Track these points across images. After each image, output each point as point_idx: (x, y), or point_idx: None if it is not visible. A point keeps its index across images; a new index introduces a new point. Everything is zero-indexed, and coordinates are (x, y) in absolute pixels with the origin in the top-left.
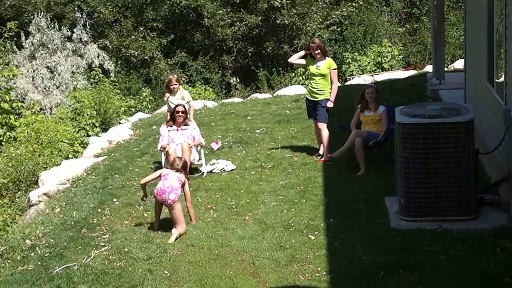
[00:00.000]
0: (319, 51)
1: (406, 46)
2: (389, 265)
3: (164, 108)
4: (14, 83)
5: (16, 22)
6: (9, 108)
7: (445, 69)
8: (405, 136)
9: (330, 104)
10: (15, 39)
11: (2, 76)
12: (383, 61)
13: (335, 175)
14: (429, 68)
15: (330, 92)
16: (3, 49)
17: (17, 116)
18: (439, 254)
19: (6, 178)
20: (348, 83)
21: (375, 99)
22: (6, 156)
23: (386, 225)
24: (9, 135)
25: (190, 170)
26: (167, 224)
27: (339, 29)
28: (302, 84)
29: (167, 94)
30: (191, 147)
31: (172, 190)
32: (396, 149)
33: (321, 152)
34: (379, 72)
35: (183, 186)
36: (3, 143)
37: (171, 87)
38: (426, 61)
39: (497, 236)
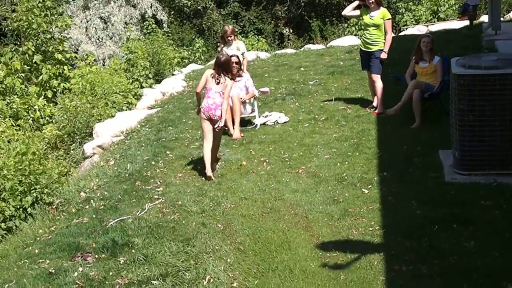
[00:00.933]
0: (373, 0)
1: None
2: (442, 220)
3: None
4: (68, 34)
5: None
6: (63, 59)
7: (501, 19)
8: (461, 88)
9: (384, 55)
10: None
11: (56, 26)
12: (439, 10)
13: (389, 128)
14: (485, 18)
15: (384, 43)
16: None
17: (71, 67)
18: (493, 209)
19: (61, 130)
20: (402, 33)
21: (430, 50)
22: (61, 108)
23: (440, 179)
24: (63, 86)
25: (243, 122)
26: (218, 179)
27: None
28: (355, 35)
29: (222, 46)
30: (243, 101)
31: (216, 107)
32: (452, 101)
33: (375, 104)
34: (434, 22)
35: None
36: (57, 94)
37: (227, 38)
38: (481, 11)
39: None
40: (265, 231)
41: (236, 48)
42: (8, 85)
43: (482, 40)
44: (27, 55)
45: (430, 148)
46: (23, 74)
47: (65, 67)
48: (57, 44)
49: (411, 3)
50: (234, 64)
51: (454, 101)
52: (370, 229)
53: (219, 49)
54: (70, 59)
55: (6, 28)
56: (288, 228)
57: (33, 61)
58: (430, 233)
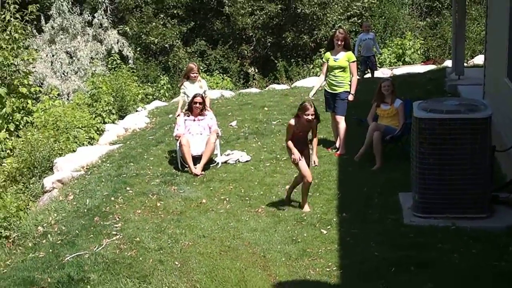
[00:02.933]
0: (343, 42)
1: (426, 40)
2: (400, 262)
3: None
4: (33, 67)
5: (38, 5)
6: (27, 93)
7: (465, 64)
8: (422, 131)
9: (351, 98)
10: (35, 22)
11: (21, 60)
12: (405, 54)
13: (350, 169)
14: (448, 63)
15: (350, 85)
16: (23, 32)
17: (34, 101)
18: (451, 252)
19: (21, 163)
20: (366, 76)
21: (392, 93)
22: (23, 141)
23: (399, 221)
24: (26, 120)
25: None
26: (177, 216)
27: (359, 20)
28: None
29: (185, 83)
30: (216, 138)
31: None
32: (413, 144)
33: (337, 145)
34: (399, 65)
35: None
36: (20, 128)
37: (192, 75)
38: (445, 55)
39: (510, 235)
40: (222, 269)
41: (199, 86)
42: None
43: (445, 84)
44: None
45: (390, 190)
46: None
47: (29, 101)
48: (22, 78)
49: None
50: (197, 104)
51: (415, 144)
52: (328, 269)
53: (179, 85)
54: (35, 92)
55: None
56: (245, 267)
57: None
58: (387, 275)
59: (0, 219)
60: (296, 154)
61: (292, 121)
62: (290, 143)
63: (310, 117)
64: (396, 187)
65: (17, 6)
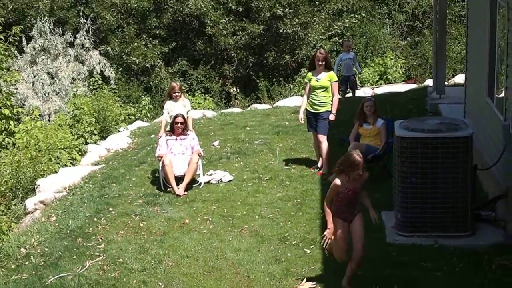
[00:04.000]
0: (324, 62)
1: (407, 59)
2: (385, 280)
3: (162, 118)
4: (16, 89)
5: (21, 26)
6: (10, 114)
7: (446, 83)
8: (404, 150)
9: (332, 117)
10: (16, 43)
11: (4, 81)
12: (388, 72)
13: None
14: (429, 82)
15: (331, 104)
16: (6, 53)
17: (16, 122)
18: (434, 270)
19: (3, 185)
20: (348, 95)
21: (374, 112)
22: (4, 163)
23: (383, 240)
24: (7, 141)
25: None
26: (160, 236)
27: (340, 40)
28: (301, 96)
29: (167, 102)
30: (199, 158)
31: None
32: (394, 163)
33: (319, 164)
34: (380, 84)
35: None
36: (1, 149)
37: (174, 94)
38: (427, 74)
39: (493, 253)
40: None
41: (183, 105)
42: None
43: (427, 103)
44: None
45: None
46: None
47: (11, 122)
48: (5, 99)
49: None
50: (179, 124)
51: (397, 163)
52: None
53: (164, 104)
54: (17, 114)
55: None
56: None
57: None
58: None
59: None
60: (329, 232)
61: (338, 181)
62: (328, 211)
63: (361, 171)
64: (379, 206)
65: (0, 28)
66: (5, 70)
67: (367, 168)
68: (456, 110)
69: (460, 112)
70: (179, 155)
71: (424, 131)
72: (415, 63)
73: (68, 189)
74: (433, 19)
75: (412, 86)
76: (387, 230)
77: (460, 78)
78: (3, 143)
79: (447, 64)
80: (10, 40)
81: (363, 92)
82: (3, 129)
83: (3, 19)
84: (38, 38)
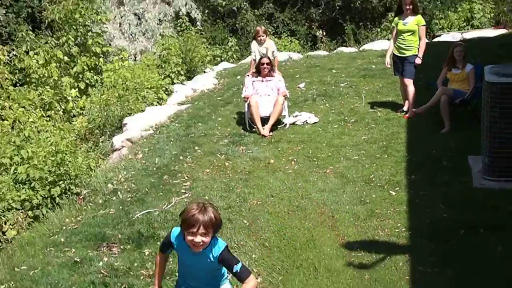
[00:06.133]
0: (411, 6)
1: (497, 5)
2: (470, 224)
3: (249, 59)
4: (107, 27)
5: None
6: (99, 52)
7: None
8: (493, 96)
9: (418, 61)
10: None
11: (94, 21)
12: (474, 17)
13: (419, 132)
14: None
15: (418, 48)
16: None
17: (104, 61)
18: None
19: (91, 122)
20: (436, 39)
21: (463, 57)
22: (92, 101)
23: (469, 184)
24: (96, 79)
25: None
26: (245, 175)
27: None
28: (388, 39)
29: (254, 44)
30: (284, 100)
31: None
32: (483, 108)
33: (405, 108)
34: (467, 29)
35: None
36: (89, 87)
37: (258, 38)
38: None
39: None
40: (291, 228)
41: (268, 47)
42: (41, 75)
43: None
44: (65, 46)
45: (459, 153)
46: (60, 64)
47: (101, 59)
48: (95, 37)
49: (447, 11)
50: (265, 65)
51: (485, 108)
52: (396, 230)
53: (250, 48)
54: (106, 52)
55: (44, 20)
56: (314, 227)
57: (70, 52)
58: (456, 237)
59: (71, 176)
60: None
61: None
62: None
63: None
64: (466, 150)
65: None
66: (94, 10)
67: (455, 112)
68: None
69: None
70: (265, 97)
71: None
72: (505, 8)
73: (155, 128)
74: None
75: (502, 31)
76: (473, 174)
77: None
78: (92, 81)
79: None
80: None
81: (451, 36)
82: (92, 66)
83: None
84: None
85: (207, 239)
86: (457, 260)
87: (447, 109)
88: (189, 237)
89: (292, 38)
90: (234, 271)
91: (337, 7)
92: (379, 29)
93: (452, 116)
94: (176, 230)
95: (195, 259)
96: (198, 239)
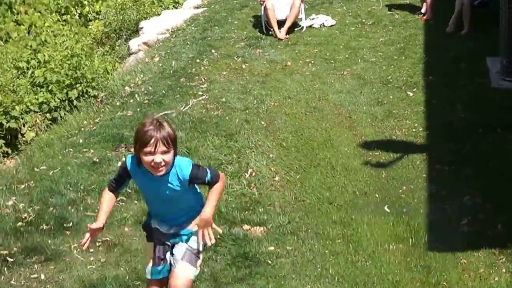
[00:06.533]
0: None
1: None
2: (487, 124)
3: None
4: None
5: None
6: None
7: None
8: None
9: None
10: None
11: None
12: None
13: (437, 34)
14: None
15: None
16: None
17: None
18: None
19: (107, 26)
20: None
21: None
22: (108, 5)
23: (487, 85)
24: None
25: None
26: (262, 78)
27: None
28: None
29: None
30: (301, 3)
31: None
32: (501, 9)
33: (423, 10)
34: None
35: None
36: None
37: None
38: None
39: None
40: (308, 129)
41: None
42: None
43: None
44: None
45: (478, 55)
46: None
47: None
48: None
49: None
50: None
51: (504, 10)
52: (414, 130)
53: None
54: None
55: None
56: (331, 127)
57: None
58: (473, 136)
59: (88, 79)
60: None
61: None
62: None
63: None
64: (484, 52)
65: None
66: None
67: (474, 14)
68: None
69: None
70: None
71: None
72: None
73: (171, 31)
74: None
75: None
76: (492, 75)
77: None
78: None
79: None
80: None
81: None
82: None
83: None
84: None
85: (168, 158)
86: (474, 159)
87: (469, 11)
88: (148, 158)
89: None
90: (206, 182)
91: None
92: None
93: (472, 19)
94: (129, 157)
95: (157, 185)
96: (159, 158)
